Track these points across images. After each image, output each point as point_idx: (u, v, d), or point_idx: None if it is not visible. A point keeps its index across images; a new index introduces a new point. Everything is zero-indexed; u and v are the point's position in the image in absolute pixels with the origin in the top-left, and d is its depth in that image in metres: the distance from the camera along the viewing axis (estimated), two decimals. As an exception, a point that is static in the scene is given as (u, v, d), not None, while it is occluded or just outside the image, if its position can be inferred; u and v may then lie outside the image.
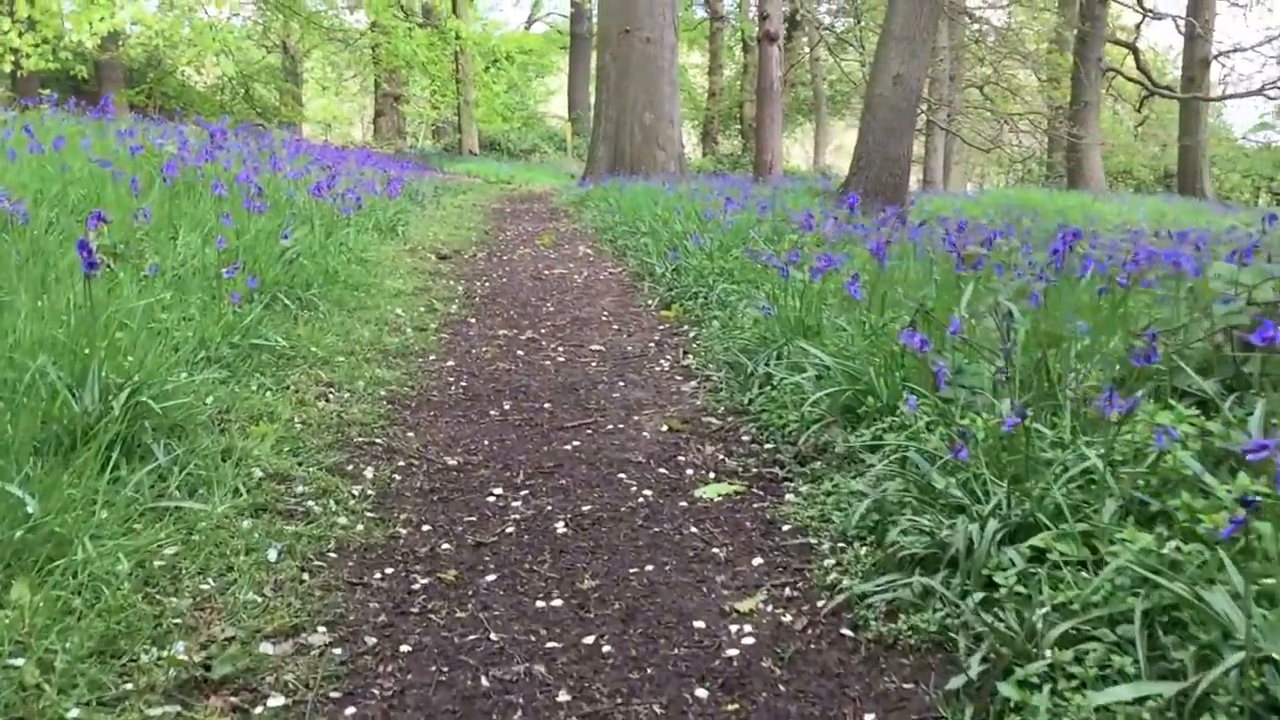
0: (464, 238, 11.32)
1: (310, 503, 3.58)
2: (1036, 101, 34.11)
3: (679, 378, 5.70)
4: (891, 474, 3.46)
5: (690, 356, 6.14)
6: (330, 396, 4.82)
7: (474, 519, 3.64)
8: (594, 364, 6.04)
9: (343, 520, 3.46)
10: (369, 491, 3.78)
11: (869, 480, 3.50)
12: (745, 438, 4.63)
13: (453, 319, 7.07)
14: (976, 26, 31.52)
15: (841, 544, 3.31)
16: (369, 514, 3.59)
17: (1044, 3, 33.69)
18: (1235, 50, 28.56)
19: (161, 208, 6.34)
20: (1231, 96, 27.75)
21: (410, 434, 4.55)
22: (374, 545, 3.34)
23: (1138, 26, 36.27)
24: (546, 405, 5.13)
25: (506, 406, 5.09)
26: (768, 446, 4.46)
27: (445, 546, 3.39)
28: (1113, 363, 3.82)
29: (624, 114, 20.97)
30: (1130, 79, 31.01)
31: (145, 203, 6.53)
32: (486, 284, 8.54)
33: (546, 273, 9.21)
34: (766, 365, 5.23)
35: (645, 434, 4.70)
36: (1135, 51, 34.48)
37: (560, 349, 6.40)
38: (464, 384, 5.46)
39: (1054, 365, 3.65)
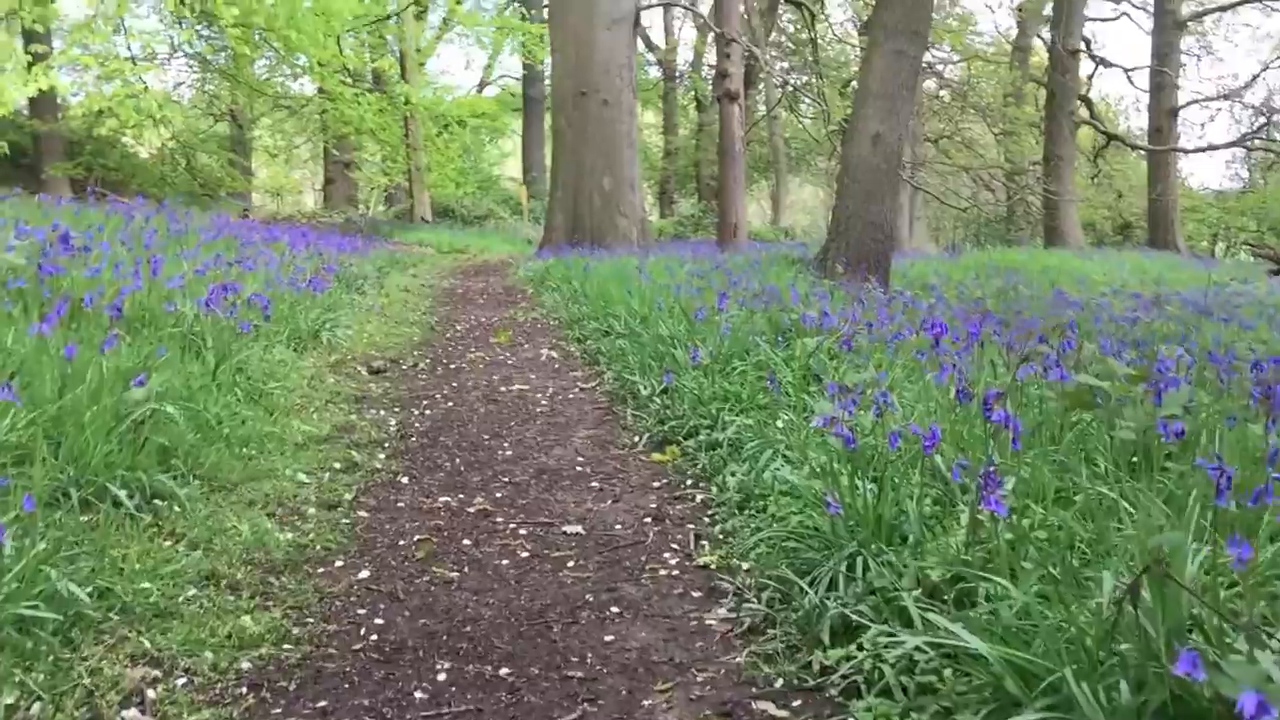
0: (405, 337, 9.36)
1: None
2: (992, 155, 32.80)
3: (697, 594, 3.78)
4: None
5: (707, 547, 4.22)
6: (148, 696, 2.85)
7: None
8: (571, 563, 4.10)
9: None
10: None
11: None
12: (832, 753, 2.71)
13: (377, 480, 5.10)
14: (934, 83, 30.21)
15: None
16: None
17: (999, 57, 32.45)
18: (1211, 99, 27.28)
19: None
20: (1213, 148, 26.46)
21: (273, 778, 2.59)
22: None
23: (1089, 78, 35.18)
24: (504, 671, 3.18)
25: (442, 677, 3.14)
26: (879, 786, 2.55)
27: None
28: None
29: (582, 180, 19.21)
30: (1107, 133, 29.67)
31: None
32: (428, 411, 6.58)
33: (503, 390, 7.26)
34: (839, 601, 3.31)
35: (667, 747, 2.78)
36: (1089, 103, 33.30)
37: (523, 531, 4.46)
38: (379, 622, 3.51)
39: None
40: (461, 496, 4.91)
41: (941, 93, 31.64)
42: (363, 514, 4.58)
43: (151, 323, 6.25)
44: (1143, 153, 32.60)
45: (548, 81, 29.96)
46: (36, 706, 2.68)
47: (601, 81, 19.07)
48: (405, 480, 5.13)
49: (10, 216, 8.86)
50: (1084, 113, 32.18)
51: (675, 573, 3.98)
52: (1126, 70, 31.22)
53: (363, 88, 27.26)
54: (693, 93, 38.13)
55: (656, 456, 5.53)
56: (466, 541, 4.32)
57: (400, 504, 4.77)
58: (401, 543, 4.27)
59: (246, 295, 7.03)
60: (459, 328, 10.24)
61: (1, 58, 17.44)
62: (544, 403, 6.88)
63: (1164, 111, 26.87)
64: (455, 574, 3.97)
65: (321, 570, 3.91)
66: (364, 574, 3.92)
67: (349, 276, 12.10)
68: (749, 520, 4.31)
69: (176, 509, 4.08)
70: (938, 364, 5.00)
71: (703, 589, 3.81)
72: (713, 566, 4.00)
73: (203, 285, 7.06)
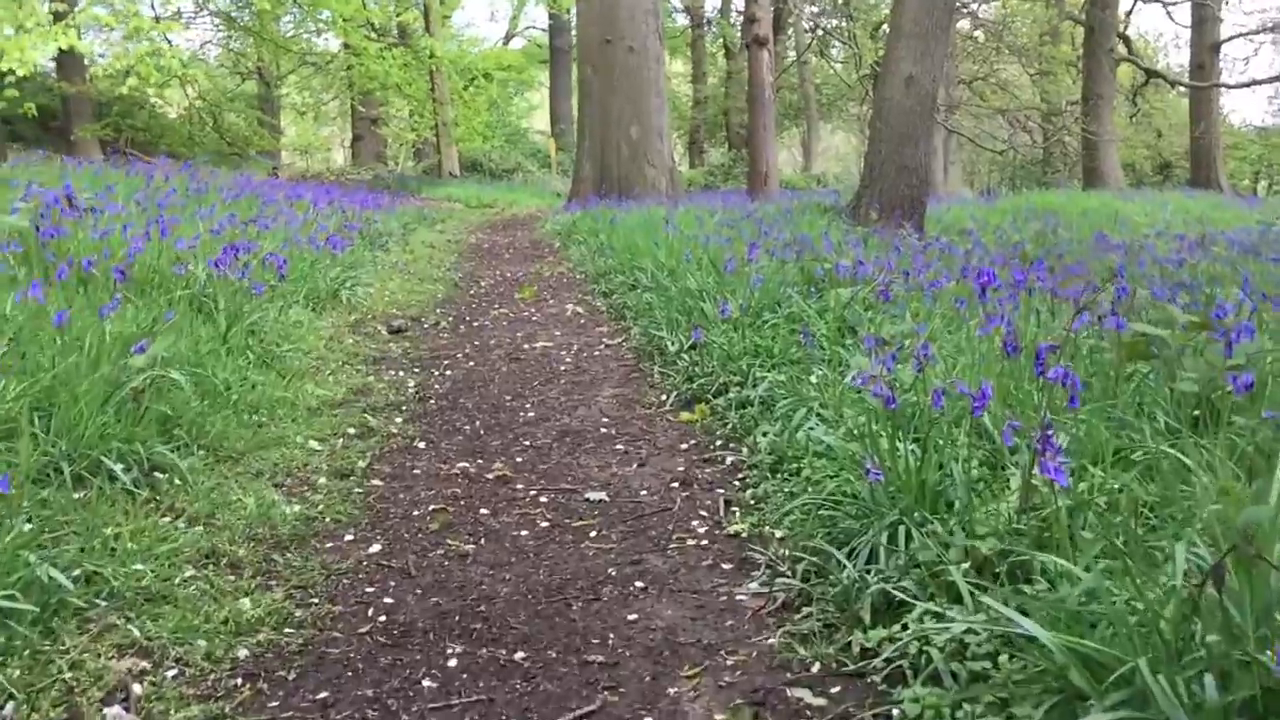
0: (429, 295, 9.11)
1: None
2: (1027, 96, 31.99)
3: (727, 566, 3.52)
4: None
5: (738, 514, 3.95)
6: (134, 691, 2.63)
7: None
8: (594, 533, 3.85)
9: None
10: None
11: None
12: (877, 749, 2.46)
13: (393, 446, 4.87)
14: (968, 23, 29.43)
15: None
16: None
17: (1034, -7, 31.55)
18: (1254, 33, 26.40)
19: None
20: (1256, 84, 25.65)
21: (265, 782, 2.37)
22: None
23: (1127, 15, 34.19)
24: (520, 655, 2.94)
25: (453, 663, 2.90)
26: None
27: None
28: None
29: (609, 129, 18.82)
30: (1148, 70, 28.82)
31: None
32: (448, 372, 6.34)
33: (527, 347, 7.01)
34: (880, 575, 3.04)
35: (694, 741, 2.54)
36: (1127, 40, 32.37)
37: (544, 499, 4.22)
38: (388, 602, 3.28)
39: None
40: (480, 462, 4.67)
41: (976, 33, 30.83)
42: (376, 483, 4.36)
43: (162, 285, 6.03)
44: (1182, 90, 31.71)
45: (574, 31, 29.46)
46: (9, 706, 2.47)
47: (627, 28, 18.62)
48: (422, 445, 4.90)
49: (24, 178, 8.67)
50: (1122, 49, 31.29)
51: (704, 543, 3.72)
52: (1166, 4, 30.24)
53: (387, 42, 26.91)
54: (721, 39, 37.45)
55: (685, 416, 5.26)
56: (484, 511, 4.08)
57: (416, 471, 4.53)
58: (416, 513, 4.04)
59: (262, 255, 6.80)
60: (483, 284, 9.99)
61: (22, 16, 17.21)
62: (568, 360, 6.62)
63: (1206, 47, 26.03)
64: (471, 547, 3.73)
65: (330, 545, 3.69)
66: (374, 548, 3.69)
67: (373, 234, 11.86)
68: (782, 484, 4.04)
69: (177, 482, 3.86)
70: (981, 314, 4.69)
71: (733, 560, 3.55)
72: (744, 535, 3.74)
73: (217, 245, 6.84)
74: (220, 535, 3.55)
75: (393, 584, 3.40)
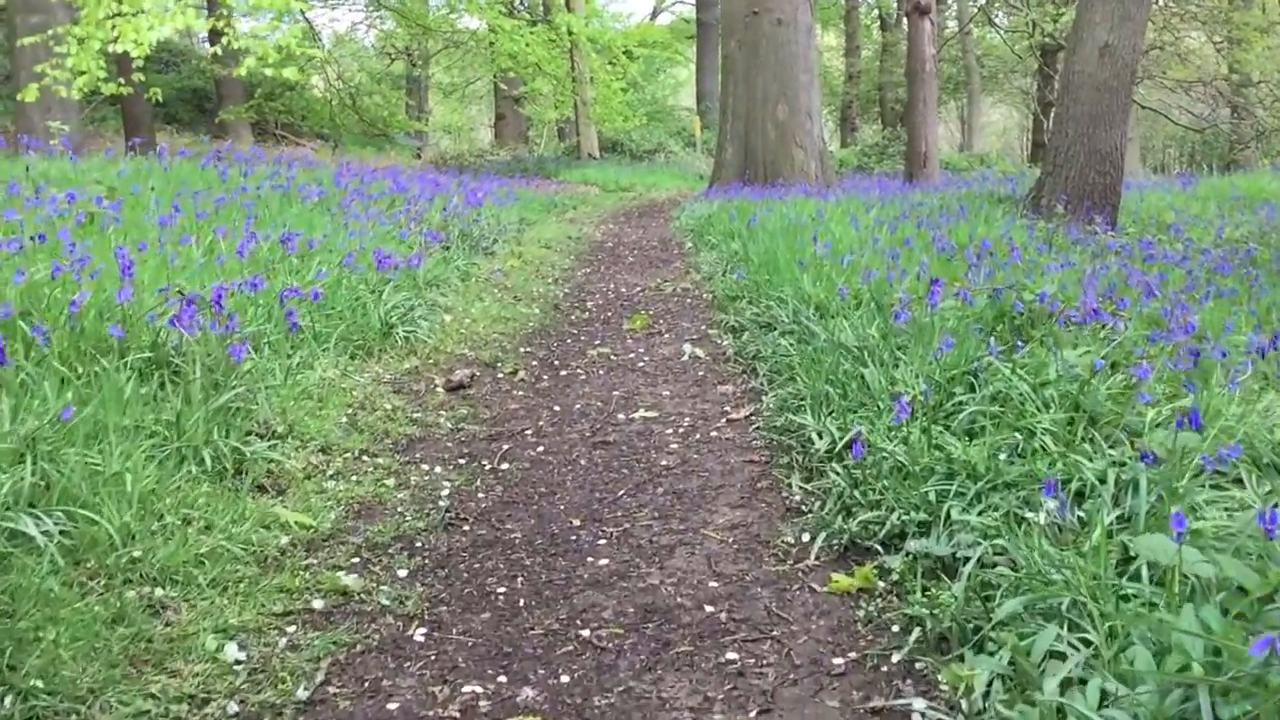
0: (518, 323, 7.18)
1: None
2: (1210, 67, 28.38)
3: None
4: None
5: None
6: None
7: None
8: None
9: None
10: None
11: None
12: None
13: (373, 639, 2.96)
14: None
15: None
16: None
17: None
18: None
19: None
20: None
21: None
22: None
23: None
24: None
25: None
26: None
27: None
28: None
29: (754, 109, 16.73)
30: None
31: None
32: (504, 466, 4.40)
33: (621, 418, 5.02)
34: None
35: None
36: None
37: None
38: None
39: None
40: (502, 680, 2.75)
41: (1157, -3, 27.33)
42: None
43: (133, 343, 4.29)
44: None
45: (720, 4, 27.26)
46: None
47: (775, -1, 16.47)
48: (420, 636, 2.99)
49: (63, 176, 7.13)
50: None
51: None
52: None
53: (527, 19, 25.28)
54: (876, 10, 34.70)
55: (838, 581, 3.23)
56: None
57: (391, 706, 2.64)
58: (349, 843, 2.14)
59: (275, 293, 5.03)
60: (590, 305, 8.03)
61: (142, -1, 16.03)
62: (674, 446, 4.61)
63: None
64: None
65: None
66: None
67: (480, 232, 10.07)
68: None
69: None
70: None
71: None
72: None
73: (227, 277, 5.12)
74: None
75: None
